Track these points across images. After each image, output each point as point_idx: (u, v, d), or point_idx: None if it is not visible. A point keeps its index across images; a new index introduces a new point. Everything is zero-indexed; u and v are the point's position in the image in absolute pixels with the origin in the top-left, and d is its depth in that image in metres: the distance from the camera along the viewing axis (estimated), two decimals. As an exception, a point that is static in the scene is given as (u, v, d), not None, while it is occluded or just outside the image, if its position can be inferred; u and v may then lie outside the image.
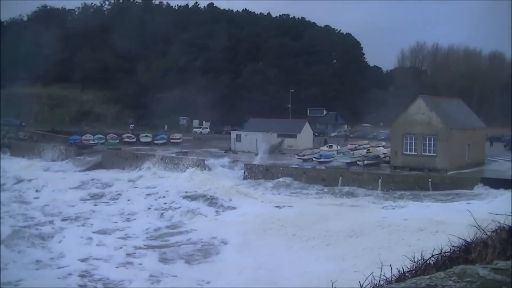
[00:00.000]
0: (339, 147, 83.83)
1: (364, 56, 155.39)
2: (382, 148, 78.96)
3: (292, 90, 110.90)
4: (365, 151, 77.86)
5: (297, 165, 69.38)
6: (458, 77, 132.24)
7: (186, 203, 55.59)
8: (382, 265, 4.97)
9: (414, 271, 5.07)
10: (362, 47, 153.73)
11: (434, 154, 62.71)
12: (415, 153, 63.81)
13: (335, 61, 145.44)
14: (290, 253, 37.71)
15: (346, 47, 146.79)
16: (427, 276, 3.32)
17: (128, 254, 38.97)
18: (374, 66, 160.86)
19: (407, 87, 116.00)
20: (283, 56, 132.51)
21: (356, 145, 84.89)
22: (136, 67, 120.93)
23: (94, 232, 45.22)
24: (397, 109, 74.71)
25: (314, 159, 72.72)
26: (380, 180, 59.04)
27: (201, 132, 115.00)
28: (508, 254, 4.43)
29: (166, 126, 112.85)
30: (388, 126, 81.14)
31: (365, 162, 68.03)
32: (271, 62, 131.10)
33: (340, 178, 60.87)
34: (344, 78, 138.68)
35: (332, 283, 4.25)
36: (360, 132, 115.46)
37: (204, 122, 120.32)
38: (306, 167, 67.60)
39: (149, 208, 54.79)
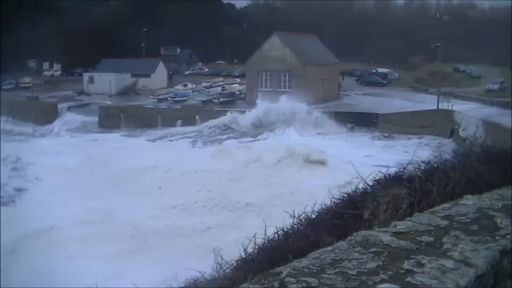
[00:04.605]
0: (193, 85, 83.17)
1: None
2: (237, 85, 79.24)
3: (145, 29, 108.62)
4: (220, 88, 77.93)
5: (152, 105, 68.51)
6: (311, 13, 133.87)
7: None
8: (266, 226, 4.61)
9: (297, 230, 4.74)
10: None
11: (290, 90, 63.57)
12: (271, 89, 64.48)
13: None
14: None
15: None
16: (329, 248, 2.98)
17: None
18: (228, 3, 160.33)
19: (261, 24, 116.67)
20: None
21: (211, 83, 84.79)
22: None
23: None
24: (252, 46, 75.04)
25: (169, 98, 72.03)
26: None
27: (52, 75, 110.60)
28: (401, 209, 4.18)
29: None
30: (242, 63, 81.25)
31: (221, 99, 68.20)
32: (122, 0, 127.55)
33: (197, 116, 60.73)
34: (198, 16, 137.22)
35: (254, 235, 3.84)
36: (215, 70, 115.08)
37: (55, 64, 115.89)
38: (161, 107, 66.90)
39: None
